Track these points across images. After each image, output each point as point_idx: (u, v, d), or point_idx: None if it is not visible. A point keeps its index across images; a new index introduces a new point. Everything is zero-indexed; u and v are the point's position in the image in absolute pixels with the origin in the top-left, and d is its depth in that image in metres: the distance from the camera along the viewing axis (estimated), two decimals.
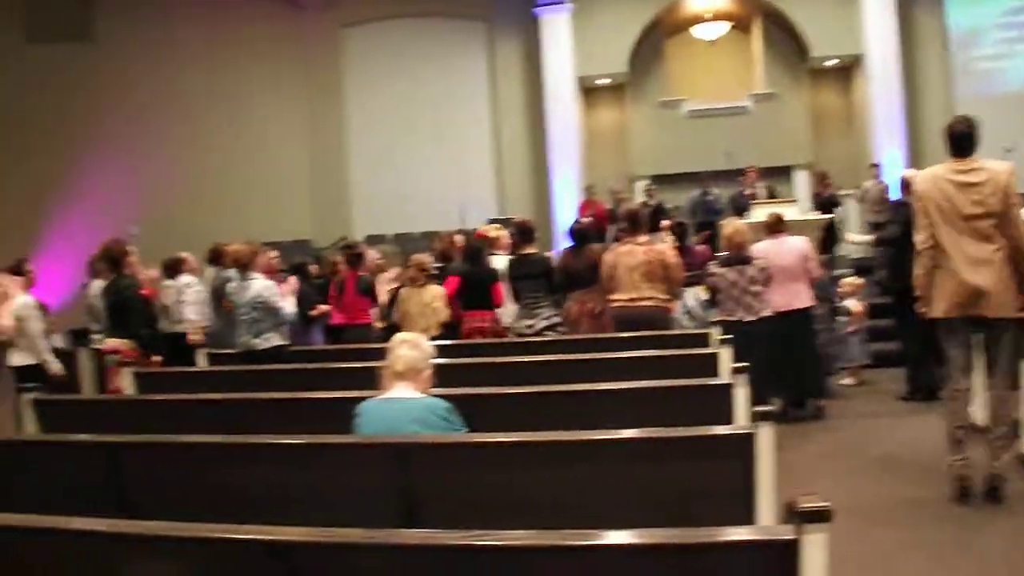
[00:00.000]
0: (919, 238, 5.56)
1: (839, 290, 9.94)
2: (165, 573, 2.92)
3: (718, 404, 4.68)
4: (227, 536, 2.75)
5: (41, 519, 3.14)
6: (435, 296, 7.88)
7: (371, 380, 5.44)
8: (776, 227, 8.26)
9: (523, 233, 8.47)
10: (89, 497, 4.37)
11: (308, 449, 4.04)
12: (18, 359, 7.54)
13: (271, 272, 8.05)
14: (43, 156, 16.37)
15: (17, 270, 8.24)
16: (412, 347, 4.10)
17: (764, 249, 8.01)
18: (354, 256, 9.14)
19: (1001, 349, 5.44)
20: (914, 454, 6.66)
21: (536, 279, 8.06)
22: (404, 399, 4.00)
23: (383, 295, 8.86)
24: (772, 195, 13.97)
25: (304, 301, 8.68)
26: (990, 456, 5.44)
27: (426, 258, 8.19)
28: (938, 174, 5.52)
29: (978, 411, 5.88)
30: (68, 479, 4.56)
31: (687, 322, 8.62)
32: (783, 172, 17.10)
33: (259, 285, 7.21)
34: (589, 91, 18.37)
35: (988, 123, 15.85)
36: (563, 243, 9.34)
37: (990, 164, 5.46)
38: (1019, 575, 4.61)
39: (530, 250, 8.33)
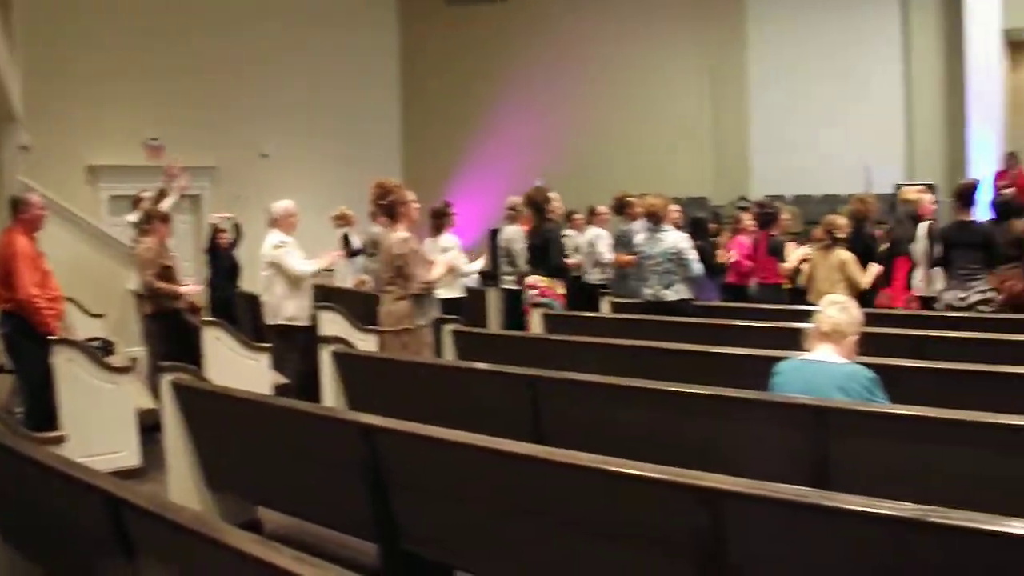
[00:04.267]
0: None
1: None
2: (582, 503, 3.07)
3: None
4: (656, 477, 2.83)
5: (466, 435, 3.43)
6: (843, 261, 7.57)
7: (777, 340, 5.39)
8: None
9: (962, 197, 7.85)
10: (504, 420, 4.70)
11: (720, 401, 4.07)
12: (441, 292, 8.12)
13: (676, 227, 8.12)
14: (460, 109, 17.68)
15: (442, 211, 8.92)
16: (840, 309, 3.99)
17: None
18: (766, 215, 9.01)
19: None
20: None
21: (973, 249, 7.45)
22: (827, 363, 3.91)
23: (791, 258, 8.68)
24: None
25: (703, 256, 8.67)
26: None
27: (840, 220, 7.83)
28: None
29: None
30: (487, 402, 4.94)
31: None
32: None
33: (673, 237, 7.29)
34: (1017, 45, 16.69)
35: None
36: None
37: None
38: None
39: (968, 217, 7.71)
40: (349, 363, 5.78)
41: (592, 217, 10.09)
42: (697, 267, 7.28)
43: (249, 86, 15.02)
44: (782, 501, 2.57)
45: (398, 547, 3.78)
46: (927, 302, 8.16)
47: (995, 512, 2.35)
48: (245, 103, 14.96)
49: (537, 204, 7.96)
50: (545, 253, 7.75)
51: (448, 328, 6.78)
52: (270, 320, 7.86)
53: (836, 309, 3.98)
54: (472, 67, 17.76)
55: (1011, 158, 14.52)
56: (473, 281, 10.54)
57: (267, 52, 15.20)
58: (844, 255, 7.59)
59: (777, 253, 8.59)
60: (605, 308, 8.41)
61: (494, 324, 10.04)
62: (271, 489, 4.64)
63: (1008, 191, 10.43)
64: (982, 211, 8.64)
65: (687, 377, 4.43)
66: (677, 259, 7.24)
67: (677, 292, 7.30)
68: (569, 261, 8.19)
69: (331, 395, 5.75)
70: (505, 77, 17.63)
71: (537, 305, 7.61)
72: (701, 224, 9.60)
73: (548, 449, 3.25)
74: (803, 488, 2.63)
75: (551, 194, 8.14)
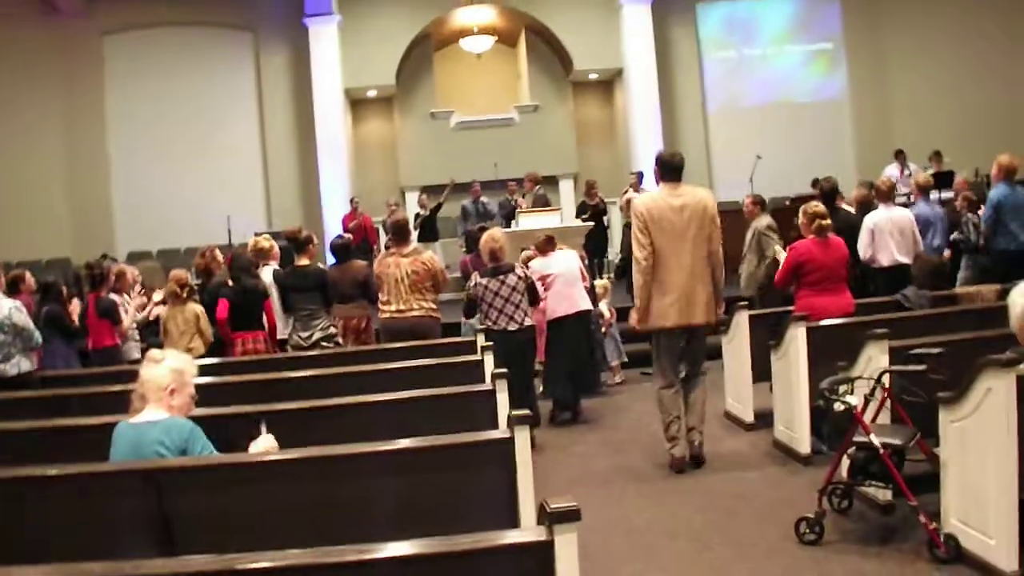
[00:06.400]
0: (640, 254, 6.26)
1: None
2: None
3: (483, 410, 4.80)
4: None
5: None
6: (196, 314, 7.58)
7: (126, 405, 5.20)
8: (548, 247, 8.66)
9: (297, 244, 8.27)
10: None
11: (55, 481, 3.78)
12: None
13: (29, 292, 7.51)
14: None
15: None
16: (157, 366, 3.88)
17: (541, 264, 8.26)
18: (96, 276, 8.57)
19: (699, 350, 6.52)
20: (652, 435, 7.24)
21: (311, 291, 7.91)
22: (149, 422, 3.80)
23: (131, 316, 8.49)
24: (546, 203, 14.30)
25: (56, 322, 8.08)
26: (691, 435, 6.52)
27: (183, 274, 7.81)
28: (656, 196, 6.34)
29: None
30: None
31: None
32: (550, 182, 17.44)
33: (6, 305, 6.73)
34: (357, 103, 18.33)
35: (736, 134, 16.89)
36: (330, 257, 9.17)
37: (694, 189, 6.38)
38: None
39: (305, 261, 8.15)
40: None
41: None
42: (37, 336, 6.82)
43: None
44: None
45: None
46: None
47: (340, 540, 2.48)
48: None
49: None
50: None
51: None
52: None
53: (153, 366, 3.89)
54: None
55: (354, 202, 15.71)
56: None
57: None
58: (197, 308, 7.62)
59: (109, 315, 8.36)
60: None
61: None
62: None
63: (347, 234, 11.29)
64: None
65: (37, 458, 4.08)
66: (13, 329, 6.70)
67: (17, 365, 6.76)
68: None
69: None
70: None
71: None
72: (52, 288, 9.00)
73: None
74: (114, 563, 2.51)
75: None
